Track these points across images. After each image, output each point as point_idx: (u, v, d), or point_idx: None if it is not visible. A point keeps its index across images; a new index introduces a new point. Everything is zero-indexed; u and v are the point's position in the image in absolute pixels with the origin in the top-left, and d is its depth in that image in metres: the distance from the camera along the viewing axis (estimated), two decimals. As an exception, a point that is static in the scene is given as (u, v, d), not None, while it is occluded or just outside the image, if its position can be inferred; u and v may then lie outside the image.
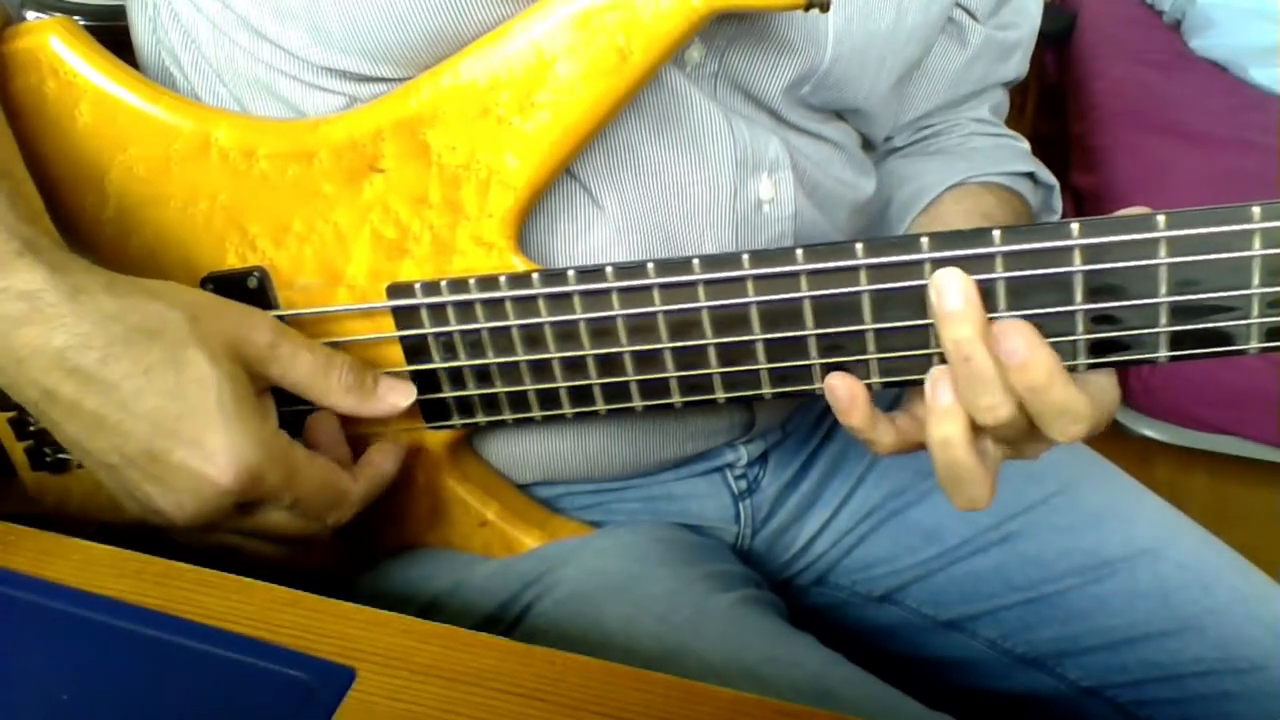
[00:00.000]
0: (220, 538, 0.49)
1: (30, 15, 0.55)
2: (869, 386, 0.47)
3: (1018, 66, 0.71)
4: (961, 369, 0.44)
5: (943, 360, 0.46)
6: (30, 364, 0.43)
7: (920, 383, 0.47)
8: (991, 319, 0.44)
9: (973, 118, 0.70)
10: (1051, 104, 2.11)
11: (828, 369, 0.47)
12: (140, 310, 0.44)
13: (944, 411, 0.45)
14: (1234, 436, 1.45)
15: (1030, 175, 0.68)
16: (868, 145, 0.64)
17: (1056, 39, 2.16)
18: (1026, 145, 0.70)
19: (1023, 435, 0.46)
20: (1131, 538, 0.63)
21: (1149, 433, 1.51)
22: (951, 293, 0.43)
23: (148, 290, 0.46)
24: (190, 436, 0.44)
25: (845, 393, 0.46)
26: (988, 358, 0.43)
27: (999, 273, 0.44)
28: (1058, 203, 0.71)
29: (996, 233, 0.43)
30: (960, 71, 0.67)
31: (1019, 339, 0.43)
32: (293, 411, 0.51)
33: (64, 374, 0.43)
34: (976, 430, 0.45)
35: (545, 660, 0.41)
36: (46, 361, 0.43)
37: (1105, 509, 0.64)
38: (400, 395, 0.51)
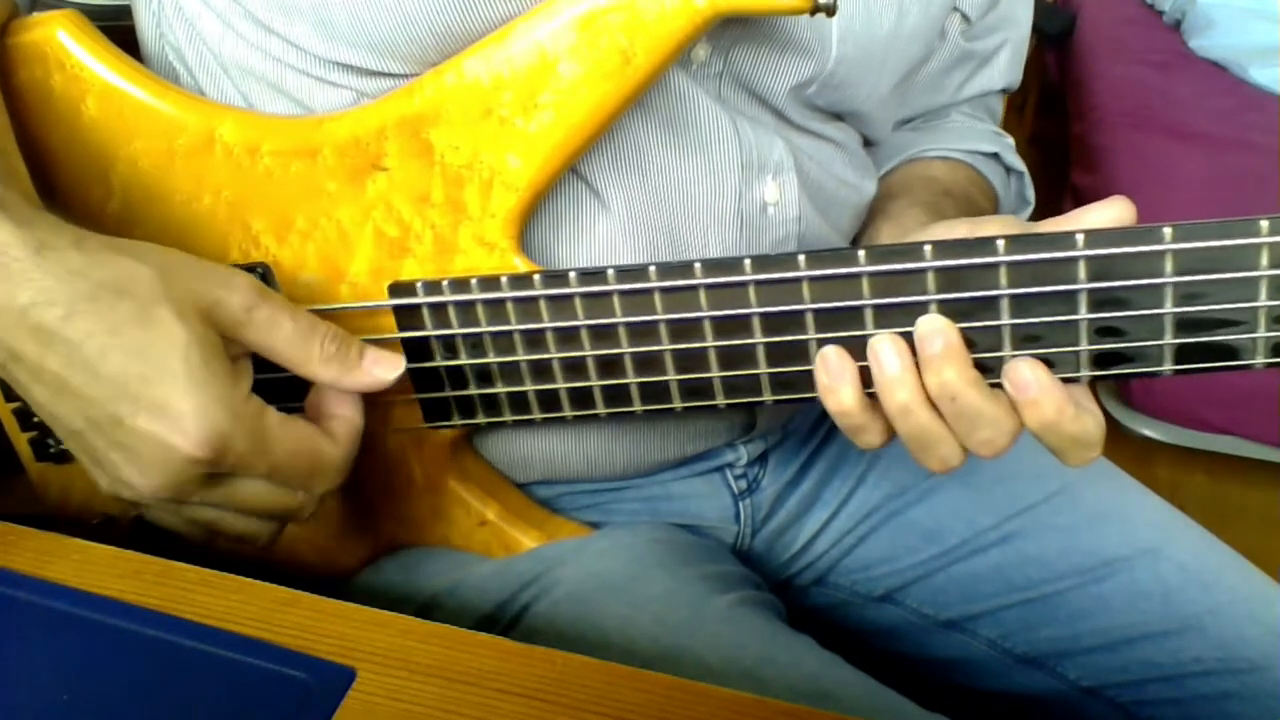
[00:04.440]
0: (193, 512, 0.47)
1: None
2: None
3: (1006, 73, 0.71)
4: (949, 408, 0.44)
5: None
6: None
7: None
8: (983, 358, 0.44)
9: (960, 111, 0.71)
10: (1051, 104, 2.11)
11: None
12: (108, 266, 0.42)
13: (893, 380, 0.45)
14: (1234, 436, 1.45)
15: (995, 156, 0.68)
16: (868, 144, 0.64)
17: (1056, 39, 2.16)
18: (1010, 140, 0.71)
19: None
20: (1131, 538, 0.63)
21: (1149, 433, 1.51)
22: (932, 338, 0.44)
23: (117, 247, 0.43)
24: (155, 400, 0.42)
25: (837, 364, 0.45)
26: (975, 395, 0.44)
27: (1003, 283, 0.43)
28: (1030, 192, 0.71)
29: (1001, 243, 0.43)
30: (933, 79, 0.67)
31: (1030, 375, 0.43)
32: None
33: (27, 332, 0.41)
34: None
35: (545, 660, 0.41)
36: (10, 320, 0.41)
37: (1105, 509, 0.64)
38: (386, 368, 0.48)
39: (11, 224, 0.42)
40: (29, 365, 0.42)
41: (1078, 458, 0.45)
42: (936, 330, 0.44)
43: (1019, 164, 0.69)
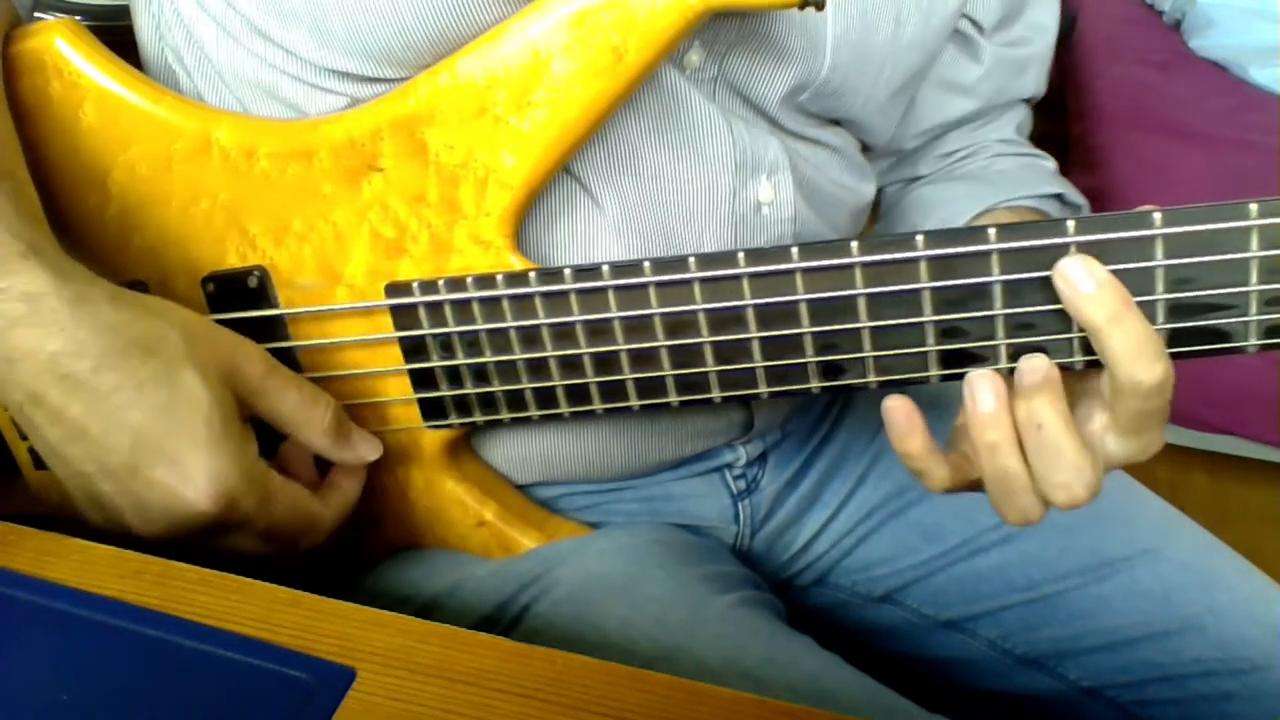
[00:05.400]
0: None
1: (40, 18, 0.55)
2: (866, 387, 0.47)
3: (1034, 82, 0.70)
4: (1032, 438, 0.43)
5: (939, 358, 0.46)
6: (21, 366, 0.43)
7: (918, 381, 0.47)
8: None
9: (998, 139, 0.69)
10: (1051, 104, 2.10)
11: (823, 367, 0.47)
12: (139, 324, 0.45)
13: (987, 419, 0.44)
14: (1234, 436, 1.45)
15: (1059, 196, 0.67)
16: (866, 149, 0.64)
17: (1056, 39, 2.15)
18: (1053, 164, 0.70)
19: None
20: (1132, 538, 0.63)
21: (1149, 432, 1.50)
22: (1033, 372, 0.43)
23: (149, 307, 0.46)
24: (173, 455, 0.44)
25: (903, 416, 0.45)
26: (1062, 429, 0.43)
27: (995, 270, 0.44)
28: None
29: (992, 231, 0.43)
30: (973, 86, 0.66)
31: (1087, 268, 0.42)
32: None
33: (54, 379, 0.43)
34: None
35: (545, 660, 0.41)
36: (38, 365, 0.43)
37: (1105, 509, 0.64)
38: (369, 449, 0.52)
39: (50, 273, 0.44)
40: (50, 409, 0.44)
41: (1146, 367, 0.42)
42: (1038, 366, 0.44)
43: (1079, 198, 0.68)
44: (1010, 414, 0.44)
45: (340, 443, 0.51)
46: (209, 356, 0.46)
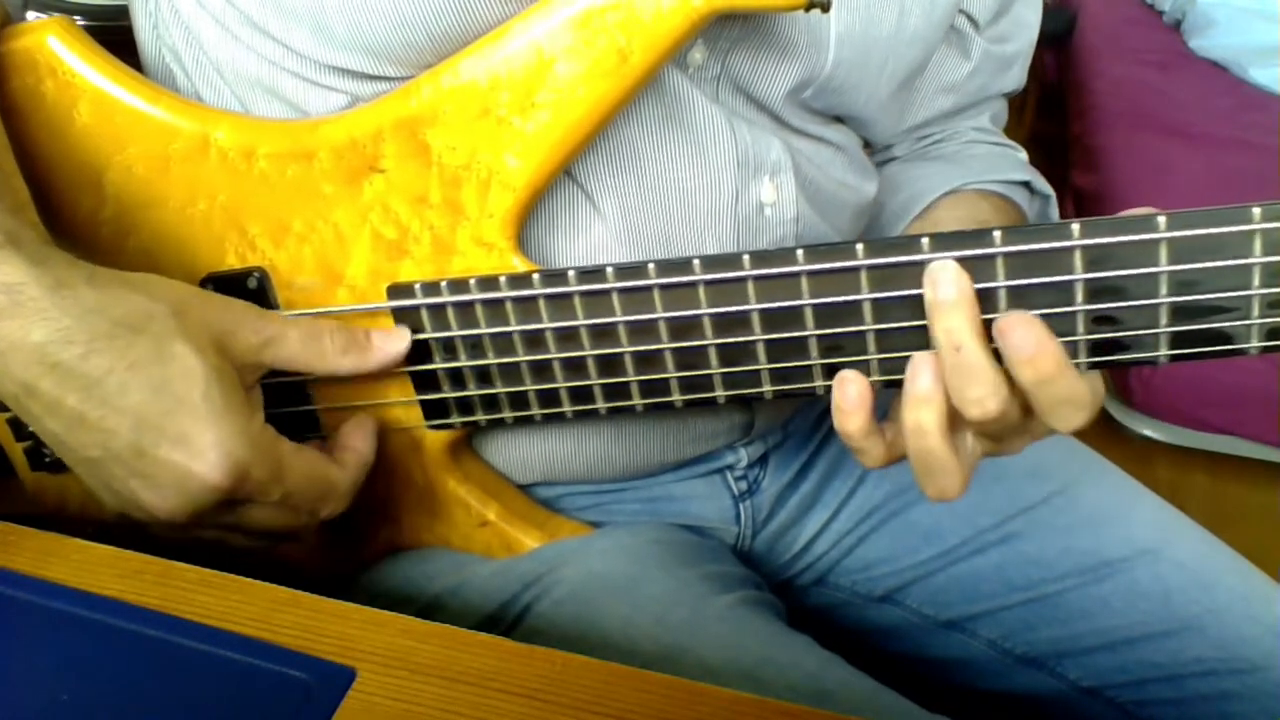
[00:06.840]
0: (200, 533, 0.48)
1: (31, 16, 0.55)
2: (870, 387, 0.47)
3: (1016, 77, 0.71)
4: (951, 359, 0.43)
5: None
6: (9, 358, 0.43)
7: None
8: (990, 318, 0.44)
9: (973, 126, 0.70)
10: (1051, 104, 2.11)
11: (828, 369, 0.47)
12: (123, 304, 0.44)
13: (920, 397, 0.44)
14: (1234, 436, 1.45)
15: (1026, 184, 0.68)
16: (869, 147, 0.64)
17: (1056, 39, 2.16)
18: (1024, 155, 0.71)
19: (1009, 431, 0.45)
20: (1131, 538, 0.63)
21: (1149, 433, 1.51)
22: (945, 283, 0.43)
23: (130, 284, 0.45)
24: (177, 432, 0.44)
25: (856, 394, 0.45)
26: (979, 349, 0.43)
27: (1000, 274, 0.43)
28: (1054, 213, 0.71)
29: (997, 233, 0.43)
30: (961, 83, 0.67)
31: (1027, 333, 0.42)
32: (282, 414, 0.51)
33: (45, 369, 0.43)
34: (959, 423, 0.45)
35: (546, 660, 0.41)
36: (26, 356, 0.42)
37: (1105, 509, 0.64)
38: (395, 342, 0.50)
39: (27, 263, 0.43)
40: (45, 400, 0.43)
41: (1066, 419, 0.43)
42: (950, 278, 0.43)
43: (1047, 188, 0.68)
44: (944, 397, 0.44)
45: (364, 355, 0.49)
46: (200, 327, 0.45)
